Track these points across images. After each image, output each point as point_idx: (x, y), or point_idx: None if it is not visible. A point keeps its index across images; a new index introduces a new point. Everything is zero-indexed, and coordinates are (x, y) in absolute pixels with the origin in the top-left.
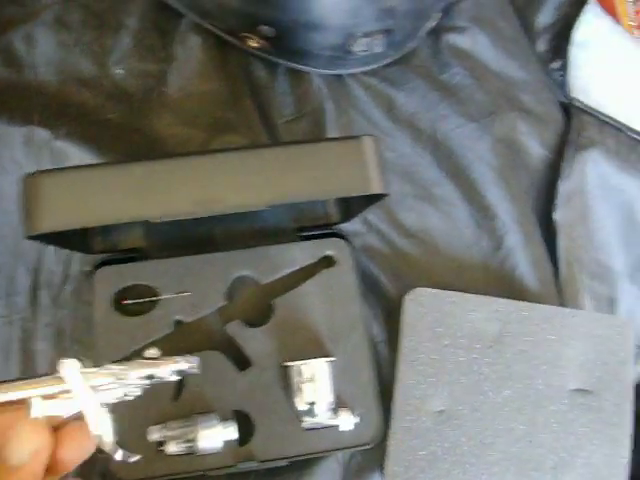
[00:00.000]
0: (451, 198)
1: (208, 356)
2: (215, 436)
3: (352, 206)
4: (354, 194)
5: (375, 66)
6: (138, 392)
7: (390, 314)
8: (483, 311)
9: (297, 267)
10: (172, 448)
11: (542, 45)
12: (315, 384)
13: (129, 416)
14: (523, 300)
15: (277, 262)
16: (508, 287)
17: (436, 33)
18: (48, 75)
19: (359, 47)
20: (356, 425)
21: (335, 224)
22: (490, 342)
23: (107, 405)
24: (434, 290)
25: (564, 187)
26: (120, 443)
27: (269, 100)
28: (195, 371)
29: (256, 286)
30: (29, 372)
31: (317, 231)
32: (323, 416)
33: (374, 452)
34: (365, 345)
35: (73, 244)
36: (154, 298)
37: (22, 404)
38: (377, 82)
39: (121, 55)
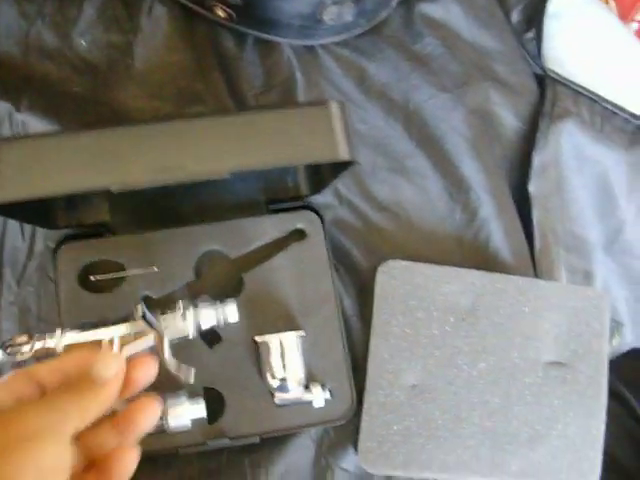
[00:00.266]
0: (424, 170)
1: None
2: (183, 414)
3: (321, 176)
4: (321, 161)
5: (346, 36)
6: None
7: (362, 288)
8: (457, 283)
9: (267, 241)
10: None
11: (516, 15)
12: (285, 359)
13: None
14: (497, 272)
15: (247, 236)
16: (482, 259)
17: (408, 2)
18: (9, 46)
19: (329, 15)
20: (328, 401)
21: (305, 197)
22: (464, 315)
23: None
24: (407, 262)
25: (539, 158)
26: None
27: (238, 71)
28: None
29: (225, 260)
30: None
31: (287, 204)
32: (295, 392)
33: (347, 428)
34: (337, 319)
35: (36, 218)
36: (121, 273)
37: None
38: (348, 53)
39: (85, 26)
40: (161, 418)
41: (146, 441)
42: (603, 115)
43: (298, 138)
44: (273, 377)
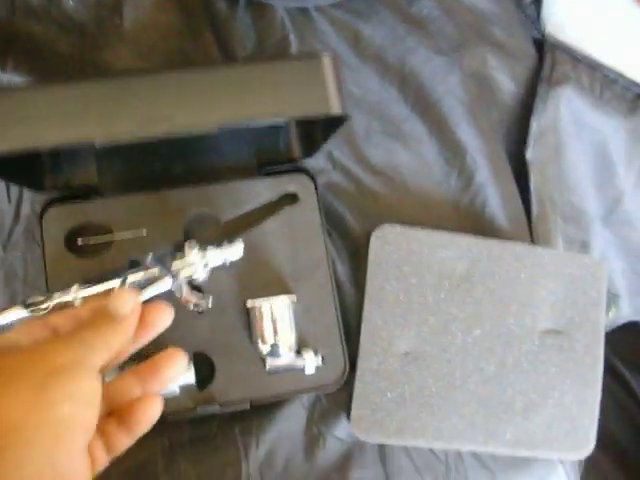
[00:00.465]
0: (419, 134)
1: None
2: None
3: (314, 137)
4: (312, 115)
5: None
6: None
7: (356, 253)
8: (452, 249)
9: (258, 204)
10: None
11: None
12: (277, 324)
13: None
14: (493, 238)
15: (237, 199)
16: (478, 225)
17: None
18: None
19: None
20: (320, 367)
21: (298, 159)
22: (459, 281)
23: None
24: (401, 227)
25: (537, 124)
26: None
27: (230, 33)
28: None
29: (216, 224)
30: None
31: (280, 167)
32: (286, 357)
33: (339, 395)
34: (329, 285)
35: (22, 178)
36: (108, 237)
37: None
38: (343, 14)
39: None
40: None
41: None
42: (603, 82)
43: (289, 91)
44: (264, 342)
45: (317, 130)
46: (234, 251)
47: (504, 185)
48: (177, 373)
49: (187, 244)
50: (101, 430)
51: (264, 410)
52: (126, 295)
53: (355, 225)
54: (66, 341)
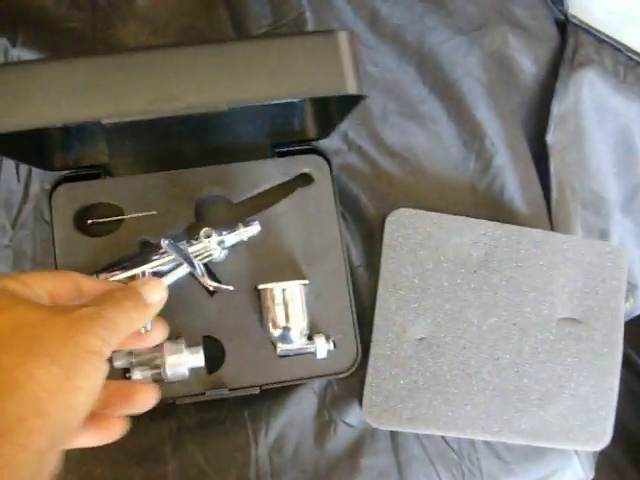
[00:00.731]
0: (437, 116)
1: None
2: (181, 363)
3: (329, 117)
4: (327, 94)
5: None
6: None
7: (370, 236)
8: (469, 234)
9: (271, 185)
10: (137, 375)
11: None
12: (288, 308)
13: None
14: (511, 224)
15: (250, 179)
16: (496, 210)
17: None
18: None
19: None
20: (332, 352)
21: (313, 140)
22: (475, 267)
23: None
24: (417, 211)
25: (558, 107)
26: None
27: (245, 9)
28: None
29: (228, 205)
30: None
31: (294, 148)
32: (297, 342)
33: (351, 381)
34: (343, 269)
35: (31, 157)
36: (119, 217)
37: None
38: None
39: None
40: (158, 367)
41: None
42: (627, 65)
43: (303, 69)
44: (275, 326)
45: (332, 110)
46: (250, 232)
47: (523, 169)
48: (145, 407)
49: (203, 232)
50: None
51: (274, 395)
52: (156, 283)
53: (370, 207)
54: (98, 318)
